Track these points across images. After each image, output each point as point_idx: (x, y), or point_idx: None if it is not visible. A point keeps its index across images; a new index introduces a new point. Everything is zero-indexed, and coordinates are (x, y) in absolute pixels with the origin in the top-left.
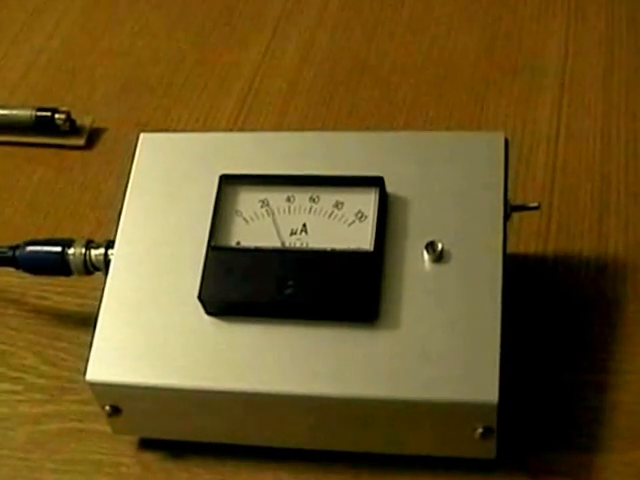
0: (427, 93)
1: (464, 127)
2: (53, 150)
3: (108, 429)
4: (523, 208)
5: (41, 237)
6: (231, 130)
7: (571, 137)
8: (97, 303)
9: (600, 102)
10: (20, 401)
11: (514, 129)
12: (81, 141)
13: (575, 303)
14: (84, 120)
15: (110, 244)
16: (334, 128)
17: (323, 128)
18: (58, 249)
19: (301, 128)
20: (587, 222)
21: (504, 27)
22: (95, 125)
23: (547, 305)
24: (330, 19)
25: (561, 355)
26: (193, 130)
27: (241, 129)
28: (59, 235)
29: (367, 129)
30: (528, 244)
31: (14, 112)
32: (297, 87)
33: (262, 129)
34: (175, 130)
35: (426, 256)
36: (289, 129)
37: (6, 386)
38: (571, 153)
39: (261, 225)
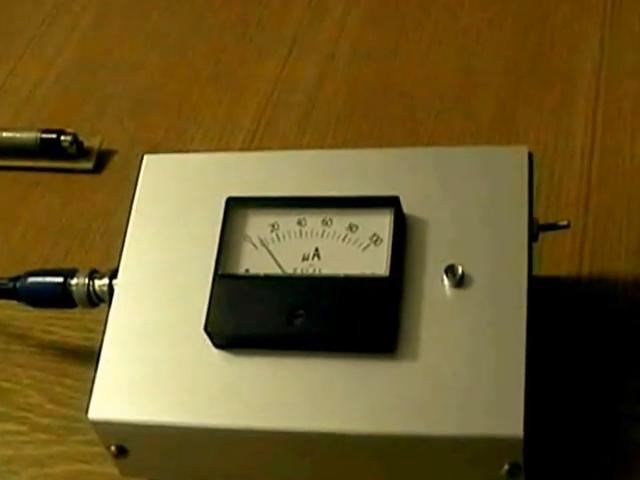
0: (454, 108)
1: (493, 142)
2: (60, 174)
3: (117, 471)
4: (552, 227)
5: (49, 267)
6: (248, 149)
7: (606, 151)
8: None
9: (637, 113)
10: (25, 442)
11: (546, 143)
12: (89, 164)
13: (612, 328)
14: (92, 142)
15: (115, 274)
16: (356, 146)
17: (344, 146)
18: (60, 280)
19: (321, 146)
20: (624, 241)
21: (534, 36)
22: (104, 147)
23: (582, 331)
24: (351, 31)
25: (597, 384)
26: (208, 150)
27: (258, 148)
28: (67, 265)
29: (390, 146)
30: (561, 266)
31: (18, 135)
32: (317, 103)
33: (280, 148)
34: (189, 151)
35: (446, 281)
36: (308, 148)
37: (10, 426)
38: (606, 168)
39: (271, 251)
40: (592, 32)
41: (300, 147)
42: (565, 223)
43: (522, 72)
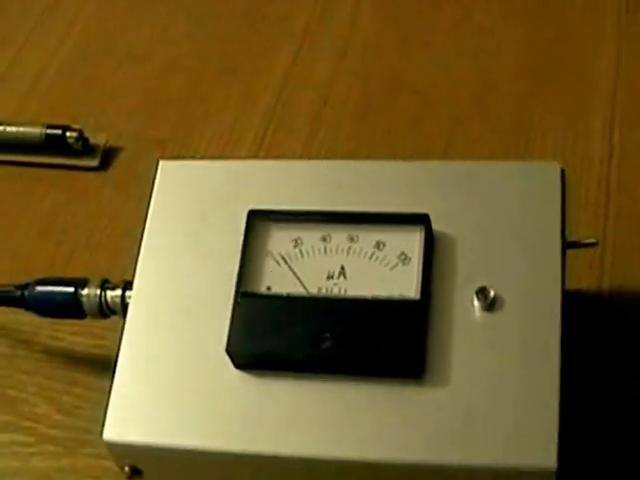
0: (468, 108)
1: (509, 145)
2: (65, 171)
3: None
4: (579, 245)
5: (53, 269)
6: (259, 148)
7: (626, 155)
8: (115, 345)
9: None
10: (32, 454)
11: (563, 146)
12: (95, 162)
13: (633, 340)
14: (98, 138)
15: (128, 285)
16: (369, 146)
17: (357, 146)
18: (70, 290)
19: (333, 145)
20: None
21: (549, 33)
22: (110, 144)
23: (603, 343)
24: (363, 26)
25: (627, 405)
26: (217, 149)
27: (268, 147)
28: (73, 267)
29: (404, 148)
30: (581, 278)
31: (22, 130)
32: (328, 100)
33: (291, 147)
34: (197, 149)
35: (476, 304)
36: (320, 147)
37: (17, 437)
38: (627, 173)
39: (294, 268)
40: (609, 29)
41: (313, 146)
42: (593, 241)
43: (538, 71)
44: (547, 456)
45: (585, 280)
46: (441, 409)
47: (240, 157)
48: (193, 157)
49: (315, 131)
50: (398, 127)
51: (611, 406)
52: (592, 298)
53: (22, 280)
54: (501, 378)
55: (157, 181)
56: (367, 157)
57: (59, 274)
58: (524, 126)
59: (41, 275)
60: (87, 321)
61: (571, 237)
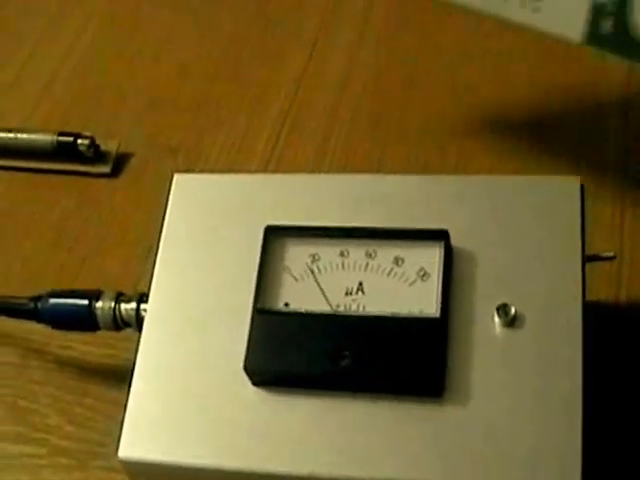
0: (481, 115)
1: (523, 154)
2: (76, 178)
3: None
4: (597, 258)
5: (64, 275)
6: (271, 152)
7: None
8: (127, 354)
9: None
10: (43, 466)
11: (577, 157)
12: (107, 168)
13: None
14: (109, 145)
15: (142, 298)
16: (382, 152)
17: (370, 151)
18: (85, 302)
19: (346, 151)
20: None
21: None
22: (121, 150)
23: (623, 360)
24: (373, 32)
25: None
26: (229, 154)
27: (281, 151)
28: (84, 274)
29: (417, 155)
30: (598, 291)
31: (33, 137)
32: (341, 105)
33: (304, 152)
34: (210, 154)
35: (497, 320)
36: (334, 152)
37: (28, 449)
38: None
39: (312, 284)
40: None
41: (325, 152)
42: (611, 254)
43: (551, 78)
44: (571, 476)
45: (603, 293)
46: (461, 428)
47: (254, 161)
48: (206, 162)
49: (328, 136)
50: (411, 133)
51: (633, 419)
52: (610, 310)
53: (33, 287)
54: (522, 396)
55: (172, 194)
56: (380, 160)
57: (70, 281)
58: (536, 134)
59: (52, 282)
60: (99, 332)
61: (588, 250)
